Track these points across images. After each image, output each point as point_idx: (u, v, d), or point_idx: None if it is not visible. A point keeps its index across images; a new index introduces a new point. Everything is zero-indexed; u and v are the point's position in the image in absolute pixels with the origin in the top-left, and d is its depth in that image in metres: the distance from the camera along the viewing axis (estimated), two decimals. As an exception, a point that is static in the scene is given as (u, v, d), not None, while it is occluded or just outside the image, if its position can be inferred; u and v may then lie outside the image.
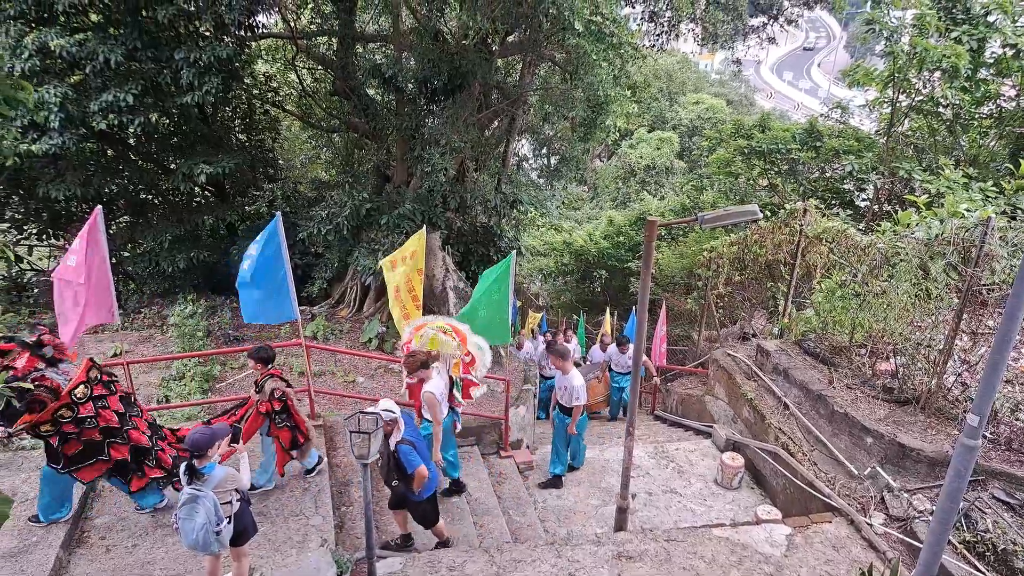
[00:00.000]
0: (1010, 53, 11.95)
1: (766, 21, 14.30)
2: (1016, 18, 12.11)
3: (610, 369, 11.80)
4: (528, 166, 21.99)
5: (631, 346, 10.93)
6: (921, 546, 5.08)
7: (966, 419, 4.49)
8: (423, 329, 6.80)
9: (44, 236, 13.41)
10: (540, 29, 10.40)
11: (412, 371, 6.53)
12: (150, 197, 12.75)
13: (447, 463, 7.17)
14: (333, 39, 13.86)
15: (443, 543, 6.49)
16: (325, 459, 7.16)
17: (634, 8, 14.24)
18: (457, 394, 6.99)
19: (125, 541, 5.99)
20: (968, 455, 4.53)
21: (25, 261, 14.11)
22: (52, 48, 9.20)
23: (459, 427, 7.22)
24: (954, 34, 12.01)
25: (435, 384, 6.48)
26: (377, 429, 4.35)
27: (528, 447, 9.37)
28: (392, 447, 5.62)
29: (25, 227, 13.51)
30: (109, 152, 12.15)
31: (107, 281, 6.81)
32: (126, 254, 13.80)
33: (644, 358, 11.09)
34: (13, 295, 12.81)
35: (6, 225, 13.65)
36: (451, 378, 6.85)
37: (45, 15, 9.90)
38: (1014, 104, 12.67)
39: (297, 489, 6.74)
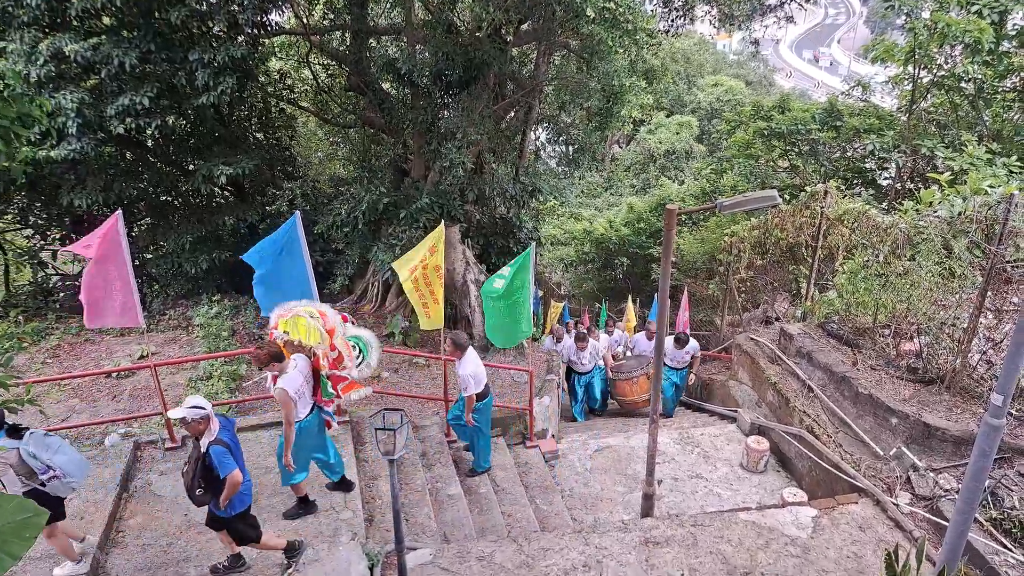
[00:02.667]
0: (1033, 25, 11.67)
1: (783, 0, 14.11)
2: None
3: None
4: (545, 155, 21.93)
5: (689, 344, 10.96)
6: (947, 525, 5.06)
7: (991, 398, 4.46)
8: (290, 313, 6.07)
9: (67, 241, 13.68)
10: (554, 17, 10.35)
11: (262, 366, 5.87)
12: (170, 199, 12.91)
13: (322, 465, 6.51)
14: (346, 34, 13.90)
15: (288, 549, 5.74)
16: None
17: (647, -11, 14.12)
18: (330, 390, 6.25)
19: (160, 540, 6.12)
20: (993, 434, 4.51)
21: (50, 266, 14.42)
22: (67, 53, 9.28)
23: (333, 426, 6.49)
24: (975, 7, 11.74)
25: (289, 379, 5.76)
26: (402, 425, 4.41)
27: (553, 436, 9.43)
28: (203, 448, 5.06)
29: (48, 232, 13.78)
30: (128, 156, 12.31)
31: (130, 285, 6.95)
32: (148, 256, 14.01)
33: (698, 355, 11.12)
34: (39, 300, 13.09)
35: (30, 231, 13.95)
36: (316, 372, 6.15)
37: (58, 20, 9.99)
38: (1038, 76, 12.39)
39: (327, 484, 6.86)
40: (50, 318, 11.79)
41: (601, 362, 11.53)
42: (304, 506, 6.44)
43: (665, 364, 10.97)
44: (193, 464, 5.13)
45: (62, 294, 13.37)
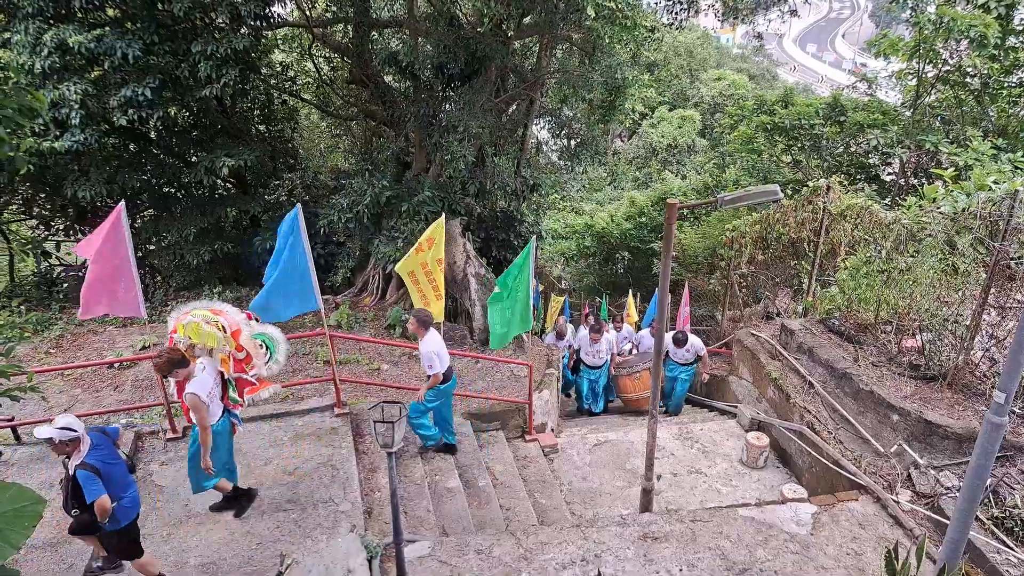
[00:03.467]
0: (1040, 19, 11.60)
1: (787, -7, 14.04)
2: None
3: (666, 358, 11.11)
4: (547, 149, 21.87)
5: (688, 342, 10.66)
6: (948, 523, 5.05)
7: (993, 395, 4.44)
8: (186, 317, 5.85)
9: (71, 232, 13.69)
10: (556, 10, 10.31)
11: (165, 373, 5.74)
12: (173, 191, 12.90)
13: (226, 472, 6.24)
14: (348, 26, 13.86)
15: None
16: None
17: (650, -15, 14.05)
18: (233, 394, 6.12)
19: (160, 530, 6.15)
20: (995, 432, 4.50)
21: (53, 257, 14.44)
22: (71, 45, 9.28)
23: (239, 430, 6.36)
24: (981, 1, 11.67)
25: (199, 383, 5.61)
26: (401, 418, 4.41)
27: (552, 430, 9.43)
28: (71, 471, 4.83)
29: (52, 223, 13.80)
30: (131, 147, 12.31)
31: (132, 275, 6.96)
32: (151, 248, 14.04)
33: (705, 354, 10.83)
34: (43, 290, 13.11)
35: (34, 222, 13.96)
36: (223, 375, 6.01)
37: (63, 12, 10.00)
38: (1045, 72, 12.33)
39: (326, 477, 6.88)
40: (53, 308, 11.82)
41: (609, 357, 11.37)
42: (244, 497, 6.38)
43: (668, 359, 10.86)
44: (64, 485, 4.96)
45: (65, 284, 13.39)
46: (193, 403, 5.54)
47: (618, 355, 11.85)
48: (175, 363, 5.61)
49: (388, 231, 11.55)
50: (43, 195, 13.05)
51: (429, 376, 7.30)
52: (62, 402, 8.66)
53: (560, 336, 12.02)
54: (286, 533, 6.15)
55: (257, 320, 6.52)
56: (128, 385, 9.22)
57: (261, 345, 6.28)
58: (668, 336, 10.55)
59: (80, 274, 12.96)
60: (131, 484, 5.22)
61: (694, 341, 10.76)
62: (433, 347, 7.14)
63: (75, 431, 4.81)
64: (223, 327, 5.87)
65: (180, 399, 5.76)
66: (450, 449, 8.01)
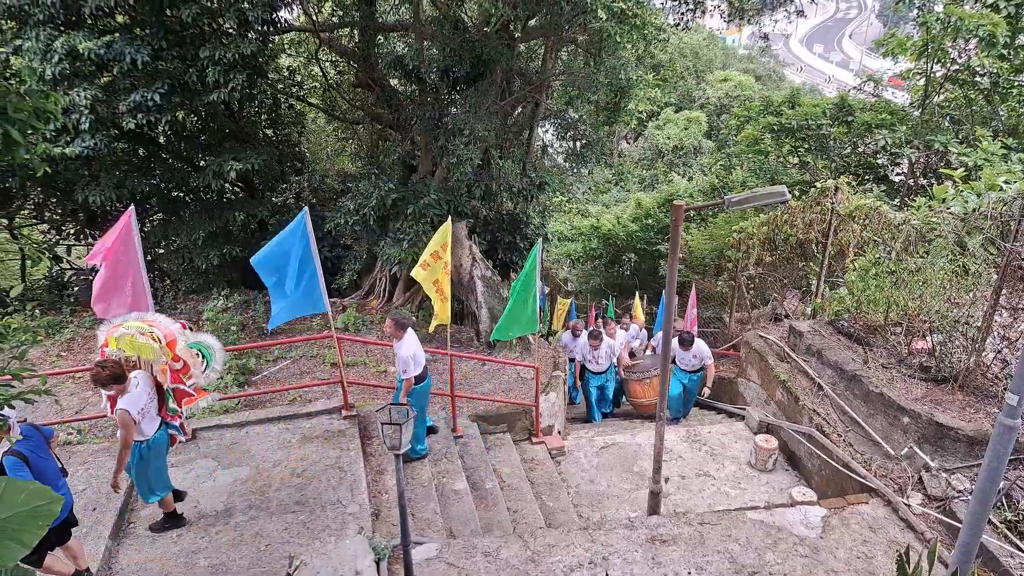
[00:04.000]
0: (1051, 18, 11.52)
1: (793, -7, 14.01)
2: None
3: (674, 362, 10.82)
4: (553, 151, 21.88)
5: (695, 346, 10.28)
6: (960, 526, 5.01)
7: (1006, 397, 4.40)
8: (118, 329, 5.69)
9: (82, 236, 13.80)
10: (561, 12, 10.32)
11: (103, 384, 5.50)
12: (181, 195, 12.98)
13: (155, 488, 5.97)
14: (355, 30, 13.91)
15: None
16: None
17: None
18: (172, 404, 5.98)
19: (169, 532, 6.18)
20: (1008, 434, 4.46)
21: (65, 261, 14.54)
22: (81, 51, 9.37)
23: (179, 440, 6.24)
24: (990, 1, 11.60)
25: (131, 399, 5.46)
26: (408, 420, 4.41)
27: (559, 432, 9.42)
28: None
29: (63, 228, 13.90)
30: (140, 152, 12.41)
31: (142, 279, 7.01)
32: (160, 251, 14.12)
33: (711, 364, 10.39)
34: (54, 294, 13.21)
35: (45, 226, 14.07)
36: (159, 387, 5.87)
37: (73, 19, 10.11)
38: (1055, 71, 12.23)
39: (334, 479, 6.88)
40: (65, 312, 11.91)
41: (615, 361, 11.16)
42: (172, 520, 6.21)
43: (675, 364, 10.59)
44: None
45: (76, 288, 13.49)
46: (123, 420, 5.39)
47: (629, 355, 11.67)
48: (116, 377, 5.47)
49: (394, 233, 11.58)
50: (54, 200, 13.16)
51: (402, 380, 7.15)
52: (73, 404, 8.72)
53: (575, 334, 11.75)
54: (294, 535, 6.15)
55: (191, 329, 6.38)
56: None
57: (197, 354, 6.18)
58: (674, 338, 10.31)
59: (91, 277, 13.06)
60: (63, 488, 5.10)
61: (700, 346, 10.32)
62: (410, 351, 7.06)
63: (6, 416, 4.79)
64: (157, 338, 5.75)
65: (112, 413, 5.58)
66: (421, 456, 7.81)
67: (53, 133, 9.79)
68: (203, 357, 6.25)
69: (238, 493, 6.66)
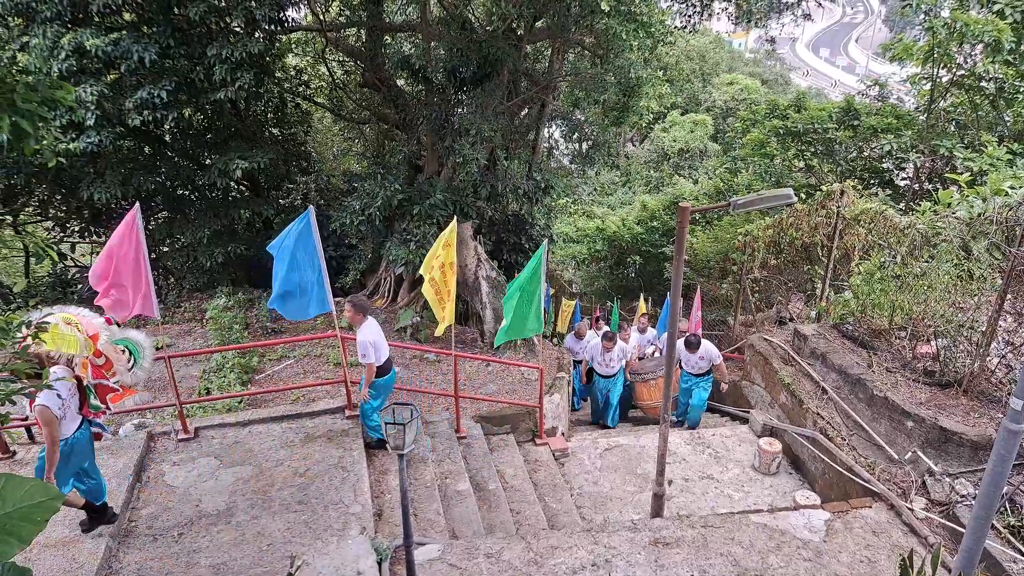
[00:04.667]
0: (1057, 24, 11.50)
1: (801, -3, 14.03)
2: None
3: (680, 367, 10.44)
4: (559, 152, 21.91)
5: (702, 347, 9.92)
6: (963, 531, 4.99)
7: (1010, 402, 4.38)
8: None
9: (86, 233, 13.86)
10: (568, 13, 10.33)
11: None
12: (187, 193, 13.04)
13: (88, 487, 5.82)
14: (362, 30, 13.95)
15: None
16: None
17: (665, -13, 14.06)
18: (95, 401, 5.69)
19: (171, 531, 6.16)
20: (1012, 439, 4.43)
21: (69, 258, 14.59)
22: (88, 48, 9.42)
23: (105, 437, 5.97)
24: (996, 6, 11.60)
25: (50, 395, 5.15)
26: (412, 420, 4.41)
27: (563, 434, 9.41)
28: None
29: (68, 225, 13.96)
30: (146, 150, 12.46)
31: (147, 277, 7.03)
32: (165, 249, 14.17)
33: (720, 363, 10.04)
34: (58, 291, 13.26)
35: (50, 223, 14.12)
36: (80, 382, 5.57)
37: (80, 16, 10.17)
38: (1061, 76, 12.20)
39: (336, 478, 6.89)
40: (69, 310, 11.93)
41: (624, 364, 10.80)
42: (97, 514, 5.95)
43: (680, 369, 10.26)
44: None
45: (80, 285, 13.53)
46: (44, 417, 5.10)
47: (639, 359, 11.40)
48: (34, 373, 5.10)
49: (400, 234, 11.60)
50: (59, 197, 13.21)
51: (364, 367, 7.03)
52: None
53: (580, 337, 11.60)
54: (296, 535, 6.16)
55: (118, 324, 6.23)
56: (140, 385, 9.28)
57: (123, 351, 5.95)
58: (680, 341, 9.73)
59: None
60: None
61: (708, 348, 9.98)
62: (370, 336, 6.89)
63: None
64: (82, 331, 5.49)
65: (31, 410, 5.32)
66: (381, 443, 7.65)
67: (59, 129, 9.83)
68: (131, 354, 6.02)
69: (240, 492, 6.66)
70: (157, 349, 10.08)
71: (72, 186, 11.83)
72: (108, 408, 5.85)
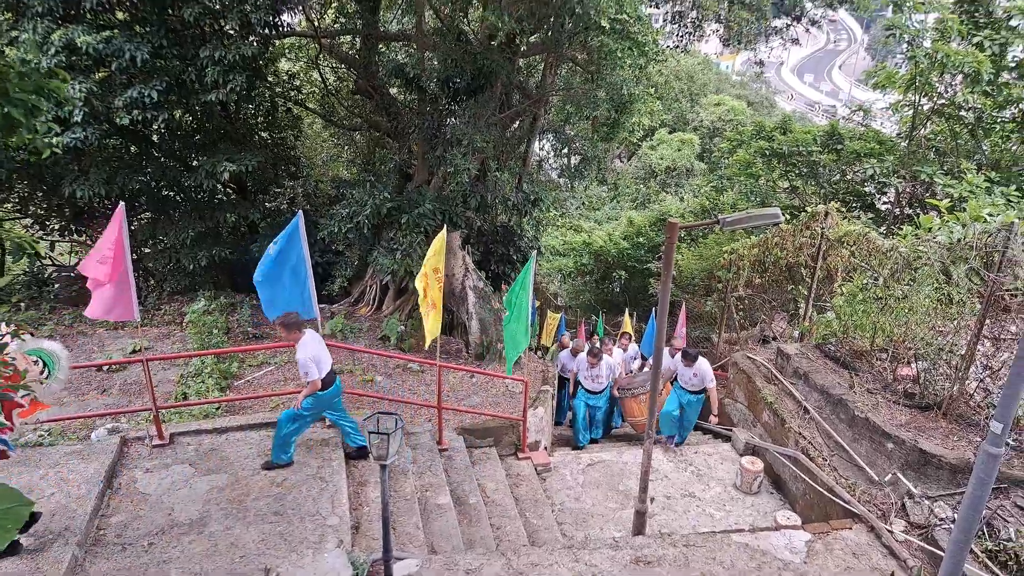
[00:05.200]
0: (1032, 58, 11.81)
1: (789, 22, 14.23)
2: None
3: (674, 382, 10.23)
4: (548, 166, 22.03)
5: (698, 363, 9.55)
6: (942, 554, 5.02)
7: (989, 426, 4.43)
8: None
9: (66, 232, 13.63)
10: (563, 28, 10.41)
11: None
12: (172, 194, 12.89)
13: None
14: (356, 38, 13.95)
15: None
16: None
17: (657, 9, 14.22)
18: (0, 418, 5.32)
19: (141, 540, 6.00)
20: (991, 462, 4.47)
21: (47, 256, 14.33)
22: (79, 45, 9.33)
23: (9, 455, 5.51)
24: (976, 39, 11.89)
25: None
26: (396, 430, 4.36)
27: (546, 448, 9.36)
28: None
29: (48, 223, 13.72)
30: (132, 149, 12.32)
31: (129, 278, 6.92)
32: (147, 250, 13.97)
33: (713, 388, 9.47)
34: (34, 290, 13.02)
35: (29, 221, 13.87)
36: None
37: (72, 12, 10.07)
38: (1036, 108, 12.51)
39: (314, 489, 6.78)
40: (44, 308, 11.72)
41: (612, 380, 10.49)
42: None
43: (675, 382, 10.03)
44: None
45: (56, 285, 13.29)
46: None
47: (627, 374, 11.14)
48: None
49: (387, 243, 11.54)
50: (40, 194, 12.98)
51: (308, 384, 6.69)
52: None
53: (574, 354, 10.86)
54: (271, 546, 6.03)
55: (31, 335, 5.91)
56: (116, 389, 9.13)
57: (36, 361, 5.62)
58: (678, 354, 9.87)
59: (72, 275, 12.88)
60: None
61: (703, 366, 9.56)
62: (311, 352, 6.57)
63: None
64: None
65: None
66: (363, 452, 7.43)
67: (46, 124, 9.72)
68: (44, 365, 5.68)
69: (215, 501, 6.52)
70: (133, 352, 9.98)
71: (54, 183, 11.64)
72: (12, 425, 5.31)
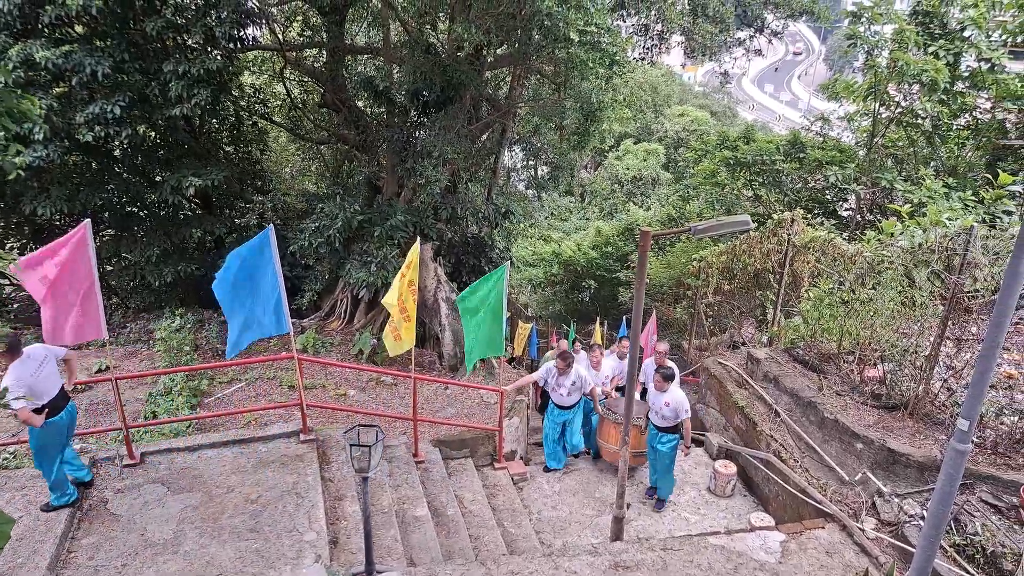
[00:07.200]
0: (985, 67, 12.31)
1: (752, 34, 14.60)
2: (990, 33, 12.47)
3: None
4: (517, 176, 22.17)
5: (672, 384, 8.06)
6: (913, 550, 5.15)
7: (956, 423, 4.56)
8: None
9: (26, 251, 13.27)
10: (530, 41, 10.52)
11: None
12: (136, 210, 12.64)
13: None
14: (322, 51, 13.89)
15: None
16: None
17: (624, 22, 14.47)
18: None
19: (114, 561, 5.87)
20: (959, 459, 4.60)
21: (4, 275, 13.93)
22: (37, 60, 9.15)
23: None
24: (932, 48, 12.33)
25: None
26: (377, 442, 4.33)
27: (522, 458, 9.36)
28: None
29: (6, 242, 13.35)
30: (94, 165, 12.07)
31: (96, 297, 6.74)
32: (109, 268, 13.67)
33: (688, 422, 7.88)
34: (-9, 310, 12.68)
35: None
36: None
37: (29, 27, 9.86)
38: (989, 116, 13.01)
39: (290, 505, 6.68)
40: (3, 327, 11.36)
41: (588, 394, 8.85)
42: None
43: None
44: None
45: (16, 304, 12.92)
46: None
47: (617, 389, 9.70)
48: None
49: (360, 255, 11.47)
50: (-2, 212, 12.64)
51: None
52: (10, 427, 8.29)
53: (562, 372, 8.70)
54: (248, 564, 5.93)
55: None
56: (82, 409, 8.89)
57: None
58: (652, 369, 8.61)
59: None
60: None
61: (677, 396, 7.97)
62: (10, 378, 5.67)
63: None
64: None
65: None
66: (88, 484, 6.72)
67: (5, 142, 9.47)
68: None
69: (189, 520, 6.40)
70: (99, 371, 9.73)
71: (13, 201, 11.34)
72: None
